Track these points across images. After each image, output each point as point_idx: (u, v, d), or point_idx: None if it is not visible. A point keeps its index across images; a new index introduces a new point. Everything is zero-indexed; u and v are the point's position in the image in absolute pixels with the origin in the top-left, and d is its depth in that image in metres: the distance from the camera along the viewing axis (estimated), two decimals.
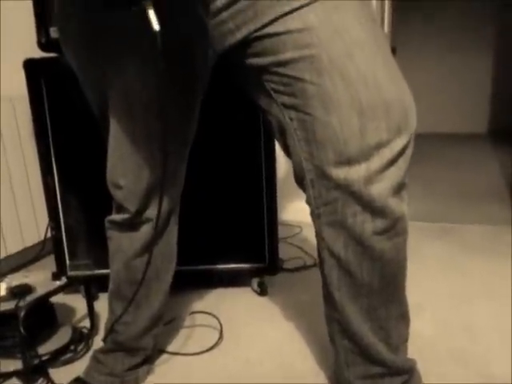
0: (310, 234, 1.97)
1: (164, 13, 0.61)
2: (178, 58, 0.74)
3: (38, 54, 1.35)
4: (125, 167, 0.87)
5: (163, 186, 0.89)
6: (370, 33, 0.66)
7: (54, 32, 1.32)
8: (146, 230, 0.95)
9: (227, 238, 1.46)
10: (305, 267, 1.68)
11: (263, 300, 1.47)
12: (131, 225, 0.95)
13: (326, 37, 0.65)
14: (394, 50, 2.77)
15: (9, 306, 1.10)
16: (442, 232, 2.02)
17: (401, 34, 3.60)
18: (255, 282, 1.52)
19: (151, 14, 0.60)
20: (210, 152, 1.37)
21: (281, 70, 0.68)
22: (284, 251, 1.75)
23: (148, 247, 0.96)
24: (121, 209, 0.94)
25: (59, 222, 1.43)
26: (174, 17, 0.70)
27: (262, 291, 1.50)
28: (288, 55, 0.67)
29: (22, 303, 1.10)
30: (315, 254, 0.84)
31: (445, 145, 4.59)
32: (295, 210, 2.17)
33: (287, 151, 0.77)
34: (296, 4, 0.65)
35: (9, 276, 1.31)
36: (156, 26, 0.61)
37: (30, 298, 1.13)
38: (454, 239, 1.93)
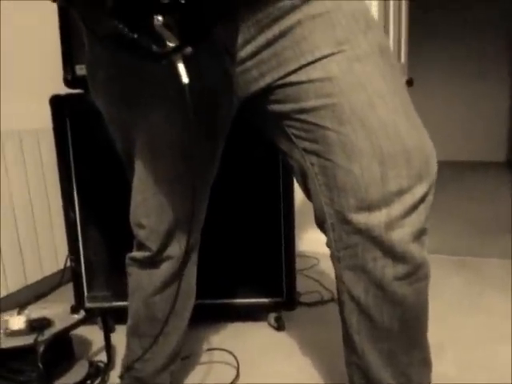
0: (326, 265, 1.95)
1: (192, 65, 0.63)
2: (203, 105, 0.76)
3: (62, 88, 1.40)
4: (148, 208, 0.89)
5: (191, 228, 0.90)
6: (391, 83, 0.68)
7: (79, 69, 1.37)
8: (166, 268, 0.96)
9: (244, 272, 1.46)
10: (322, 302, 1.66)
11: (280, 335, 1.46)
12: (152, 262, 0.95)
13: (347, 87, 0.66)
14: (411, 82, 2.78)
15: (28, 340, 1.11)
16: (459, 265, 1.99)
17: (418, 64, 3.64)
18: (272, 316, 1.51)
19: (181, 67, 0.62)
20: (228, 184, 1.38)
21: (303, 116, 0.70)
22: (301, 284, 1.73)
23: (168, 285, 0.97)
24: (142, 247, 0.95)
25: (79, 255, 1.45)
26: (200, 67, 0.72)
27: (279, 326, 1.48)
28: (310, 103, 0.68)
29: (40, 338, 1.10)
30: (333, 288, 0.84)
31: (463, 173, 4.56)
32: (312, 241, 2.16)
33: (308, 194, 0.77)
34: (318, 55, 0.67)
35: (28, 307, 1.32)
36: (185, 79, 0.62)
37: (48, 333, 1.13)
38: (473, 273, 1.90)
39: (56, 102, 1.38)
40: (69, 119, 1.39)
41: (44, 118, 1.50)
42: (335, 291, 0.81)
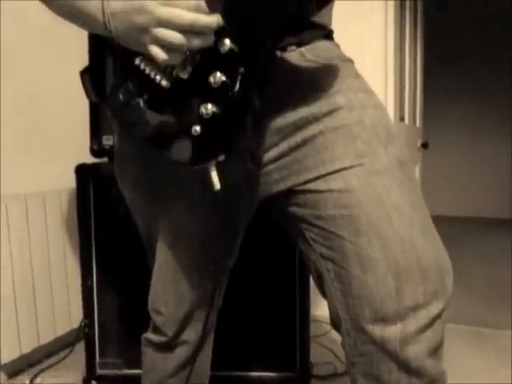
0: None
1: (223, 171, 0.66)
2: (226, 202, 0.78)
3: (85, 150, 1.45)
4: (166, 295, 0.90)
5: (209, 313, 0.91)
6: (408, 197, 0.69)
7: (106, 140, 1.43)
8: (181, 352, 0.96)
9: (257, 343, 1.44)
10: (336, 375, 1.63)
11: None
12: (167, 347, 0.95)
13: (365, 199, 0.67)
14: (426, 145, 2.82)
15: None
16: (475, 337, 1.93)
17: (430, 128, 3.77)
18: None
19: (214, 175, 0.64)
20: (242, 253, 1.39)
21: (321, 223, 0.71)
22: (314, 353, 1.70)
23: (182, 368, 0.97)
24: (158, 331, 0.95)
25: (93, 320, 1.45)
26: (225, 167, 0.75)
27: None
28: (328, 212, 0.69)
29: None
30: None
31: (474, 231, 4.52)
32: (325, 305, 2.13)
33: (323, 294, 0.78)
34: (338, 166, 0.69)
35: (40, 375, 1.32)
36: (217, 186, 0.64)
37: None
38: (489, 346, 1.84)
39: (81, 170, 1.42)
40: (92, 187, 1.44)
41: (66, 179, 1.56)
42: None
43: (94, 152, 1.42)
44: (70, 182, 1.54)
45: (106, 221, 1.44)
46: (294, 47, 0.71)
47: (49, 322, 1.72)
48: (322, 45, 0.75)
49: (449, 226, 4.61)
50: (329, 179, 0.69)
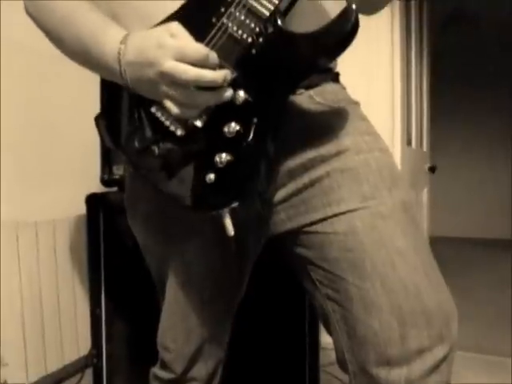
0: None
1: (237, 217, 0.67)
2: (235, 241, 0.79)
3: (95, 178, 1.46)
4: (176, 332, 0.90)
5: (218, 349, 0.91)
6: (412, 240, 0.69)
7: (116, 170, 1.44)
8: None
9: (267, 374, 1.43)
10: None
11: None
12: (175, 383, 0.95)
13: (369, 243, 0.68)
14: (433, 169, 2.82)
15: None
16: (488, 366, 1.90)
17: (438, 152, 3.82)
18: None
19: (227, 221, 0.65)
20: (251, 288, 1.39)
21: (326, 265, 0.71)
22: (323, 381, 1.68)
23: None
24: (167, 368, 0.95)
25: (101, 350, 1.45)
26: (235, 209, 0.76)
27: None
28: (333, 254, 0.70)
29: None
30: None
31: (485, 252, 4.49)
32: None
33: (330, 333, 0.78)
34: (344, 208, 0.70)
35: None
36: (231, 233, 0.65)
37: None
38: (504, 377, 1.81)
39: (92, 199, 1.44)
40: (102, 216, 1.45)
41: (75, 207, 1.57)
42: None
43: (105, 182, 1.43)
44: (80, 209, 1.55)
45: (115, 250, 1.44)
46: (302, 90, 0.73)
47: (56, 349, 1.72)
48: (329, 87, 0.76)
49: (457, 248, 4.62)
50: (334, 221, 0.70)
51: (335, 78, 0.80)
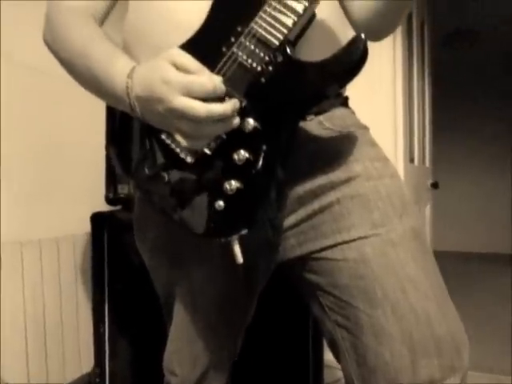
0: None
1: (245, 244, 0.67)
2: (244, 267, 0.79)
3: (99, 196, 1.46)
4: (182, 356, 0.90)
5: (224, 373, 0.91)
6: (423, 268, 0.69)
7: (121, 189, 1.45)
8: None
9: None
10: None
11: None
12: None
13: (380, 271, 0.68)
14: (436, 185, 2.83)
15: None
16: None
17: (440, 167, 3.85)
18: None
19: (237, 248, 0.65)
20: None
21: (336, 292, 0.71)
22: None
23: None
24: None
25: (104, 368, 1.44)
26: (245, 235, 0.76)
27: None
28: (343, 281, 0.70)
29: None
30: None
31: (488, 266, 4.47)
32: None
33: (338, 360, 0.77)
34: (355, 235, 0.69)
35: None
36: (240, 260, 0.65)
37: None
38: None
39: (97, 218, 1.44)
40: (107, 234, 1.45)
41: (80, 225, 1.57)
42: None
43: (109, 200, 1.44)
44: (84, 227, 1.56)
45: (119, 268, 1.44)
46: (312, 116, 0.73)
47: (59, 367, 1.71)
48: (338, 112, 0.77)
49: (458, 262, 4.62)
50: (344, 248, 0.70)
51: (344, 102, 0.81)
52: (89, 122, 1.70)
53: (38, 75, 1.65)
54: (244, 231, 0.64)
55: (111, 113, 1.31)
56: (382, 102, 2.30)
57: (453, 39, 3.81)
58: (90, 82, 0.69)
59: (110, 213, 1.45)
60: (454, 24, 3.71)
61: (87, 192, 1.70)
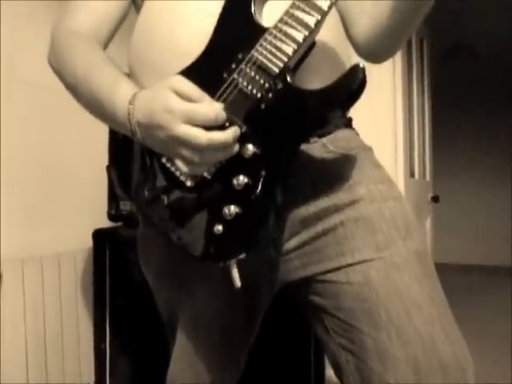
0: None
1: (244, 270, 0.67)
2: (247, 287, 0.79)
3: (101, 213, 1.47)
4: (185, 377, 0.89)
5: None
6: (428, 291, 0.69)
7: (123, 205, 1.46)
8: None
9: None
10: None
11: None
12: None
13: (384, 294, 0.68)
14: (436, 198, 2.83)
15: None
16: None
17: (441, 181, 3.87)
18: None
19: (234, 272, 0.66)
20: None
21: (340, 315, 0.71)
22: None
23: None
24: None
25: None
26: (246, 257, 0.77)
27: None
28: (348, 304, 0.70)
29: None
30: None
31: (489, 278, 4.46)
32: None
33: (341, 382, 0.77)
34: (359, 258, 0.70)
35: None
36: (238, 284, 0.66)
37: None
38: None
39: (99, 235, 1.45)
40: (109, 250, 1.46)
41: (81, 240, 1.58)
42: None
43: (112, 217, 1.45)
44: (86, 243, 1.56)
45: (121, 285, 1.45)
46: (316, 139, 0.73)
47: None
48: (342, 134, 0.77)
49: (461, 275, 4.61)
50: (348, 271, 0.70)
51: (348, 123, 0.81)
52: (91, 138, 1.70)
53: (40, 91, 1.66)
54: (242, 255, 0.65)
55: (114, 134, 1.34)
56: (383, 117, 2.32)
57: (452, 55, 3.84)
58: (93, 106, 0.71)
59: (112, 229, 1.45)
60: (453, 39, 3.74)
61: (89, 208, 1.71)
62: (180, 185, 0.67)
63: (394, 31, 0.76)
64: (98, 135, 1.47)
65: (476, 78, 4.81)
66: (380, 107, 2.30)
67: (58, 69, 0.76)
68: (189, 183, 0.66)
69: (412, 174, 2.58)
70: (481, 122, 5.23)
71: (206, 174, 0.65)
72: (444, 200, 2.99)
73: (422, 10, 0.71)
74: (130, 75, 0.80)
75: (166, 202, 0.67)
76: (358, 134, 0.83)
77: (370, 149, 0.81)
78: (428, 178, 2.86)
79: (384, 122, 2.32)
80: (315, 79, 0.66)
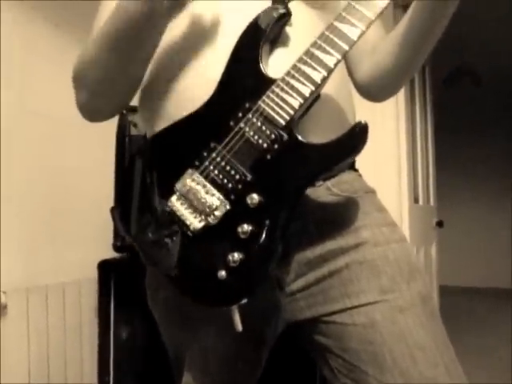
0: None
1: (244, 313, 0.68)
2: (253, 327, 0.79)
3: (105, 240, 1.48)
4: None
5: None
6: (432, 335, 0.70)
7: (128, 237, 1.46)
8: None
9: None
10: None
11: None
12: None
13: (389, 337, 0.68)
14: (441, 223, 2.83)
15: None
16: None
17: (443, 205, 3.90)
18: None
19: (236, 317, 0.66)
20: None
21: (345, 356, 0.71)
22: None
23: None
24: None
25: None
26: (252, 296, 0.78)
27: None
28: (353, 345, 0.70)
29: None
30: None
31: (492, 301, 4.43)
32: None
33: None
34: (363, 300, 0.70)
35: None
36: (239, 328, 0.66)
37: None
38: None
39: (104, 266, 1.46)
40: (114, 281, 1.46)
41: (86, 270, 1.58)
42: None
43: (117, 248, 1.45)
44: (91, 272, 1.56)
45: (125, 317, 1.44)
46: (321, 182, 0.75)
47: None
48: (345, 177, 0.78)
49: (463, 297, 4.61)
50: (353, 313, 0.71)
51: (352, 165, 0.83)
52: (98, 169, 1.73)
53: (46, 119, 1.69)
54: (244, 301, 0.65)
55: (119, 175, 1.35)
56: (386, 143, 2.34)
57: (454, 79, 3.88)
58: (124, 39, 0.70)
59: (118, 260, 1.46)
60: (455, 64, 3.78)
61: (94, 238, 1.72)
62: (185, 228, 0.68)
63: (394, 76, 0.79)
64: (105, 166, 1.49)
65: (479, 102, 4.84)
66: (383, 134, 2.32)
67: (84, 59, 0.75)
68: (193, 227, 0.67)
69: (416, 200, 2.58)
70: (484, 146, 5.26)
71: (211, 221, 0.66)
72: (447, 224, 2.99)
73: (424, 56, 0.76)
74: (141, 117, 0.83)
75: (169, 245, 0.68)
76: (360, 176, 0.84)
77: (373, 191, 0.82)
78: (432, 202, 2.87)
79: (388, 148, 2.34)
80: (317, 130, 0.67)
